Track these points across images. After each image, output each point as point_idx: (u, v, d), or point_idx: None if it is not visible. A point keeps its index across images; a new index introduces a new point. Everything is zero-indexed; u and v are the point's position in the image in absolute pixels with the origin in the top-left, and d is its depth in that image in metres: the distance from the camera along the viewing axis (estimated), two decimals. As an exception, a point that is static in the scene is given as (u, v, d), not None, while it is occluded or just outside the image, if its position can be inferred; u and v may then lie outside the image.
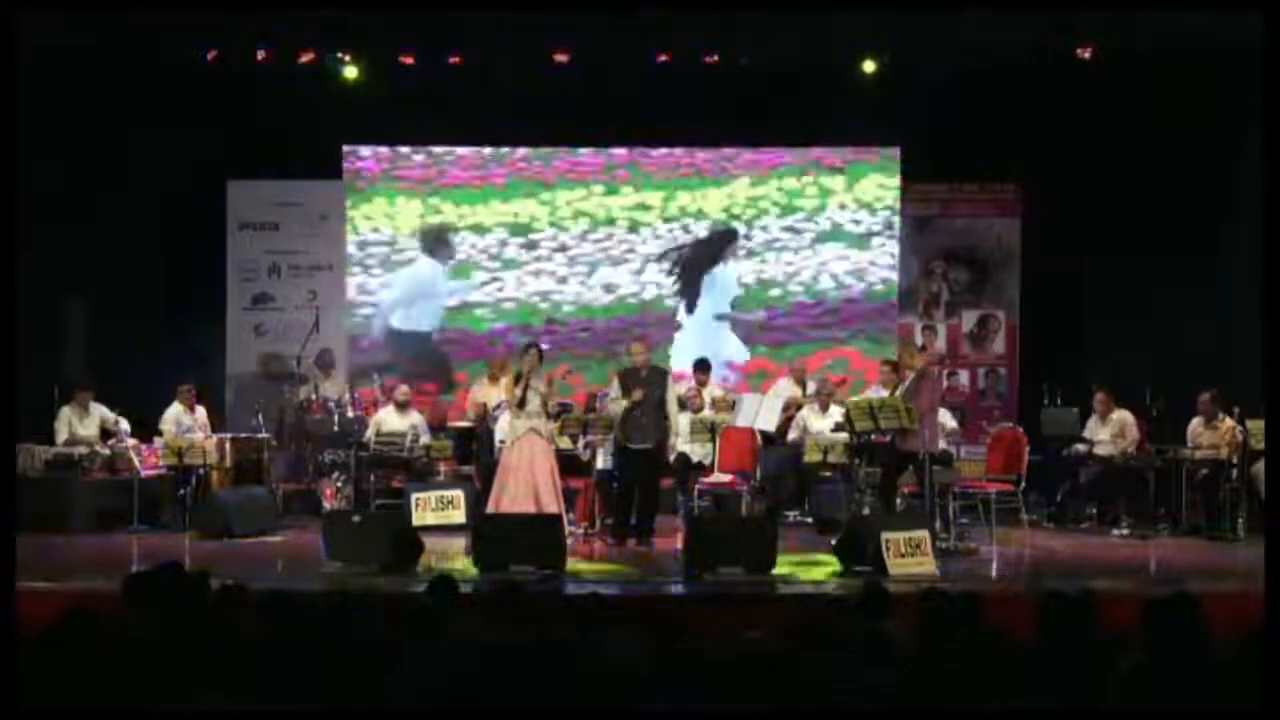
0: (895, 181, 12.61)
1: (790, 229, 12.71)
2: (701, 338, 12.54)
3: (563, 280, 12.72)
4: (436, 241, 12.71)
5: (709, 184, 12.71)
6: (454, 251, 12.73)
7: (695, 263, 12.76)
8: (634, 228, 12.71)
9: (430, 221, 12.65)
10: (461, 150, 12.66)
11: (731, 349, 12.66)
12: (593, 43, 11.22)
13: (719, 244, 12.75)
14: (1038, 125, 11.61)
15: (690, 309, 12.76)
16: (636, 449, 9.41)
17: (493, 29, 10.64)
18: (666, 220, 12.72)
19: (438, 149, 12.66)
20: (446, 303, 12.70)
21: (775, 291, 12.69)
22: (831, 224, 12.70)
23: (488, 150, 12.67)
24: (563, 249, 12.70)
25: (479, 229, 12.69)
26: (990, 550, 9.14)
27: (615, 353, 11.73)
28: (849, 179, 12.69)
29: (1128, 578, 8.08)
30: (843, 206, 12.69)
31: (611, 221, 12.72)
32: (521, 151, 12.66)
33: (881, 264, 12.70)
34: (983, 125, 11.75)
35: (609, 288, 12.73)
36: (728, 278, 12.74)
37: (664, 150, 12.67)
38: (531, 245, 12.70)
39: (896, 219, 12.66)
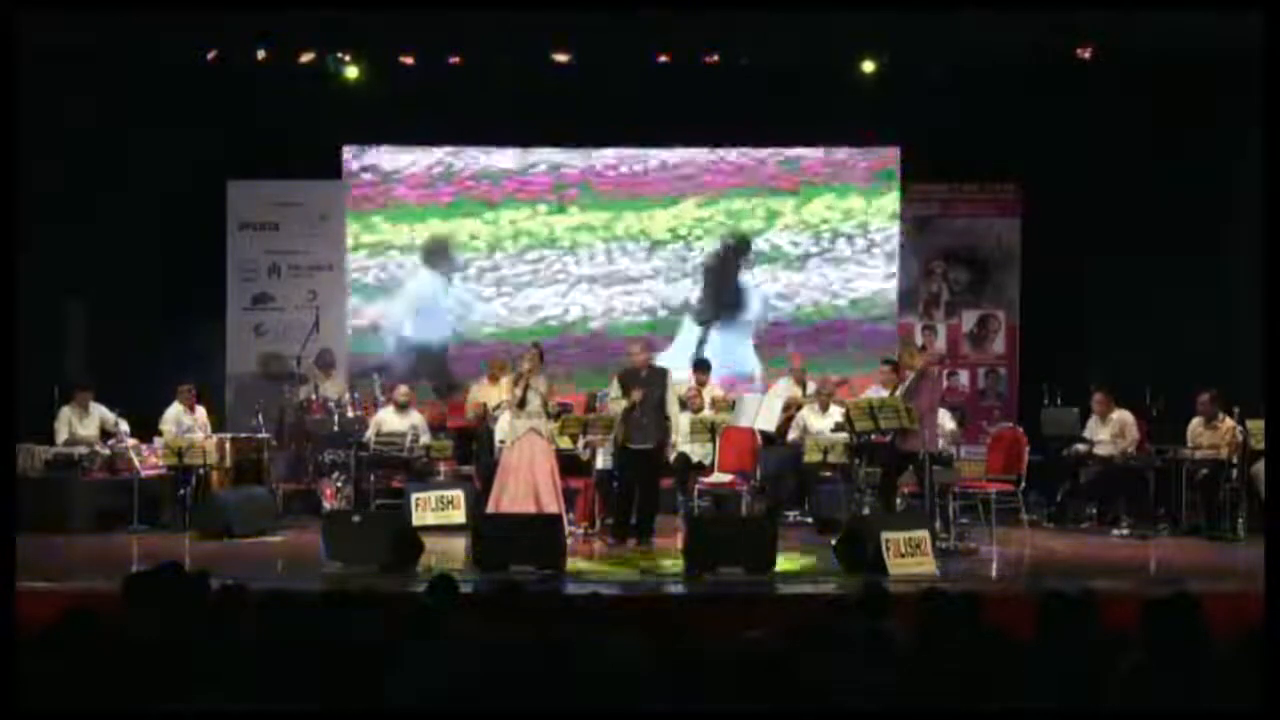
0: (847, 203, 12.62)
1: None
2: (730, 353, 12.57)
3: (486, 301, 12.70)
4: (436, 254, 12.70)
5: (655, 205, 12.66)
6: (455, 264, 12.71)
7: (715, 276, 12.76)
8: (573, 248, 12.68)
9: (434, 233, 12.67)
10: (412, 169, 12.61)
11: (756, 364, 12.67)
12: (593, 43, 11.21)
13: (734, 254, 12.75)
14: (1038, 125, 11.61)
15: (710, 323, 12.75)
16: (636, 449, 9.40)
17: (493, 29, 10.63)
18: (607, 241, 12.67)
19: (387, 165, 12.63)
20: (451, 315, 12.71)
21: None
22: (770, 245, 12.71)
23: (437, 169, 12.63)
24: (494, 269, 12.67)
25: (410, 249, 12.70)
26: (990, 550, 9.14)
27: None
28: (799, 200, 12.67)
29: (1128, 578, 8.08)
30: (787, 228, 12.69)
31: (553, 242, 12.68)
32: (471, 169, 12.61)
33: (812, 285, 12.68)
34: (983, 125, 11.74)
35: (532, 309, 12.69)
36: (748, 290, 12.75)
37: (621, 165, 12.62)
38: (464, 264, 12.70)
39: (843, 241, 12.63)
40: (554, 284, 12.69)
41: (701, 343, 12.60)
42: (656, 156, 12.67)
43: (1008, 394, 12.69)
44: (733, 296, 12.73)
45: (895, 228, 12.69)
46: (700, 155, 12.67)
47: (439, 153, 12.65)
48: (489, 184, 12.64)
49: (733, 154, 12.67)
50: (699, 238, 12.71)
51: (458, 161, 12.65)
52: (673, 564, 8.46)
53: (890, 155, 12.65)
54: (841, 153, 12.70)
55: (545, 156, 12.66)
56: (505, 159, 12.66)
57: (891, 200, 12.69)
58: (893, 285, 12.71)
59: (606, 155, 12.68)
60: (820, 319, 12.66)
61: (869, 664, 4.00)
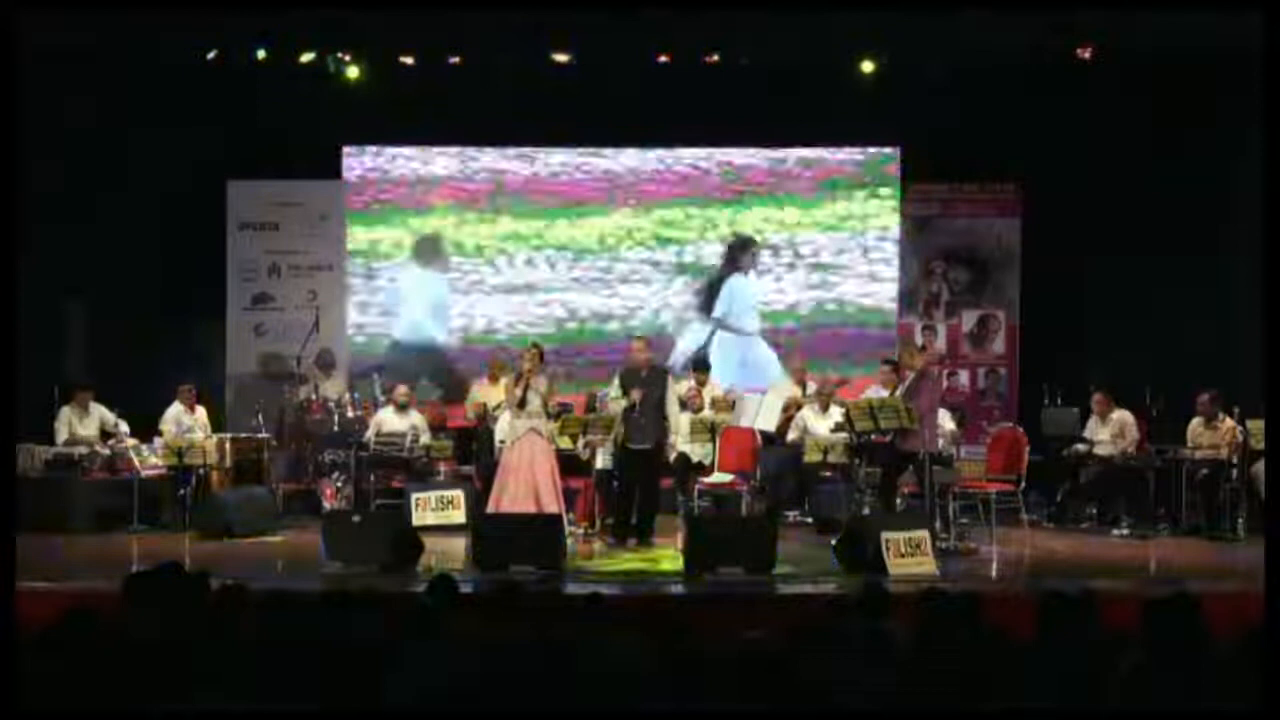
0: (781, 214, 12.62)
1: (650, 262, 12.70)
2: (728, 351, 12.61)
3: (386, 312, 12.72)
4: (430, 252, 12.70)
5: (591, 212, 12.64)
6: (448, 261, 12.71)
7: (715, 278, 12.77)
8: (491, 258, 12.68)
9: (424, 233, 12.68)
10: (349, 177, 12.63)
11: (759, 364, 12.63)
12: (593, 43, 11.21)
13: (735, 254, 12.74)
14: (1038, 125, 11.61)
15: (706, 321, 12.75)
16: (636, 449, 9.40)
17: (493, 29, 10.63)
18: (535, 249, 12.65)
19: (385, 166, 12.62)
20: (451, 314, 12.71)
21: (613, 325, 12.66)
22: (693, 257, 12.70)
23: (374, 175, 12.63)
24: (392, 280, 12.67)
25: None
26: (990, 550, 9.14)
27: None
28: (734, 211, 12.66)
29: (1128, 578, 8.07)
30: (720, 239, 12.70)
31: (479, 250, 12.68)
32: (406, 175, 12.61)
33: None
34: (983, 125, 11.74)
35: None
36: (745, 290, 12.72)
37: (576, 170, 12.63)
38: (371, 275, 12.71)
39: (770, 253, 12.65)
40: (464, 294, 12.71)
41: (706, 346, 12.61)
42: (597, 164, 12.66)
43: (1008, 394, 12.69)
44: (725, 297, 12.73)
45: (826, 238, 12.67)
46: (643, 164, 12.66)
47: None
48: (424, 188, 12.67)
49: (681, 161, 12.67)
50: (629, 248, 12.67)
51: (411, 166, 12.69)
52: (673, 564, 8.46)
53: (839, 165, 12.66)
54: (792, 159, 12.69)
55: (487, 164, 12.69)
56: (451, 161, 12.66)
57: (829, 213, 12.67)
58: (807, 296, 12.70)
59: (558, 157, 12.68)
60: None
61: (869, 664, 4.00)
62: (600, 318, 12.71)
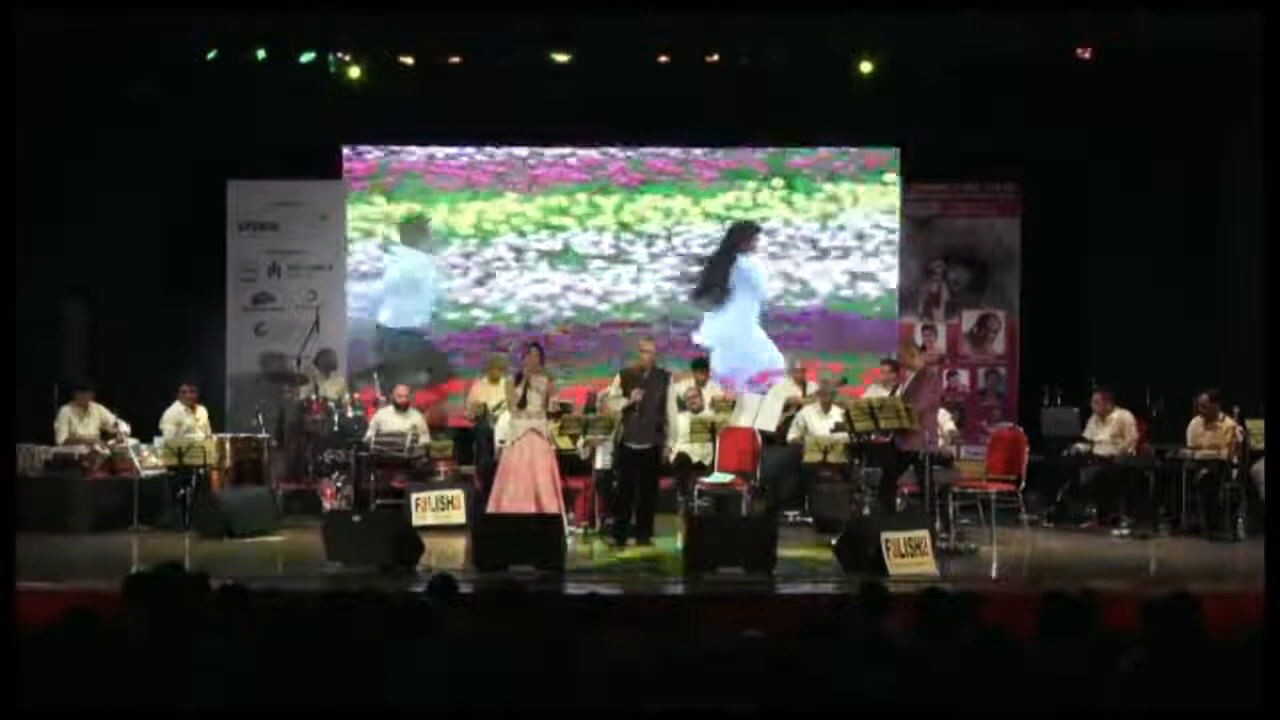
0: (671, 202, 12.63)
1: (517, 249, 12.70)
2: (735, 341, 12.64)
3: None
4: (416, 232, 12.71)
5: (497, 195, 12.66)
6: (433, 242, 12.73)
7: (715, 262, 12.75)
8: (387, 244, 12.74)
9: (411, 213, 12.72)
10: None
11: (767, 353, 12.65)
12: (593, 43, 11.21)
13: (736, 239, 12.73)
14: (1038, 125, 11.61)
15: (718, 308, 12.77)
16: (635, 449, 9.40)
17: (493, 29, 10.63)
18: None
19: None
20: (433, 297, 12.74)
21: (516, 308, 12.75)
22: (590, 244, 12.72)
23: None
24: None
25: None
26: (990, 550, 9.14)
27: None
28: (623, 197, 12.67)
29: (1128, 578, 8.07)
30: (624, 226, 12.69)
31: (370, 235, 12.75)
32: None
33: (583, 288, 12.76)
34: (983, 125, 11.74)
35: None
36: (755, 274, 12.73)
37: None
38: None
39: (662, 242, 12.67)
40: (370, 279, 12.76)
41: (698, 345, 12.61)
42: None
43: (1008, 394, 12.69)
44: (738, 282, 12.72)
45: (700, 229, 12.71)
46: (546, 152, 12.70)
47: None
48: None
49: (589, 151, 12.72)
50: (531, 231, 12.69)
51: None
52: (673, 564, 8.46)
53: (726, 161, 12.72)
54: (697, 152, 12.73)
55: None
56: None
57: (720, 204, 12.68)
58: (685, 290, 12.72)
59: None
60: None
61: (869, 664, 4.01)
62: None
